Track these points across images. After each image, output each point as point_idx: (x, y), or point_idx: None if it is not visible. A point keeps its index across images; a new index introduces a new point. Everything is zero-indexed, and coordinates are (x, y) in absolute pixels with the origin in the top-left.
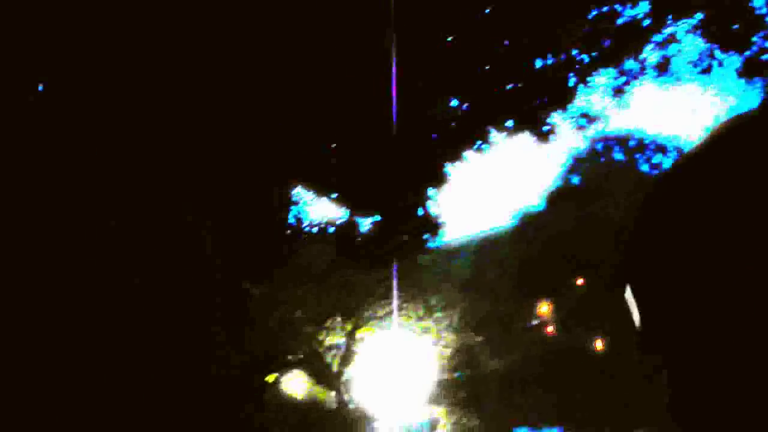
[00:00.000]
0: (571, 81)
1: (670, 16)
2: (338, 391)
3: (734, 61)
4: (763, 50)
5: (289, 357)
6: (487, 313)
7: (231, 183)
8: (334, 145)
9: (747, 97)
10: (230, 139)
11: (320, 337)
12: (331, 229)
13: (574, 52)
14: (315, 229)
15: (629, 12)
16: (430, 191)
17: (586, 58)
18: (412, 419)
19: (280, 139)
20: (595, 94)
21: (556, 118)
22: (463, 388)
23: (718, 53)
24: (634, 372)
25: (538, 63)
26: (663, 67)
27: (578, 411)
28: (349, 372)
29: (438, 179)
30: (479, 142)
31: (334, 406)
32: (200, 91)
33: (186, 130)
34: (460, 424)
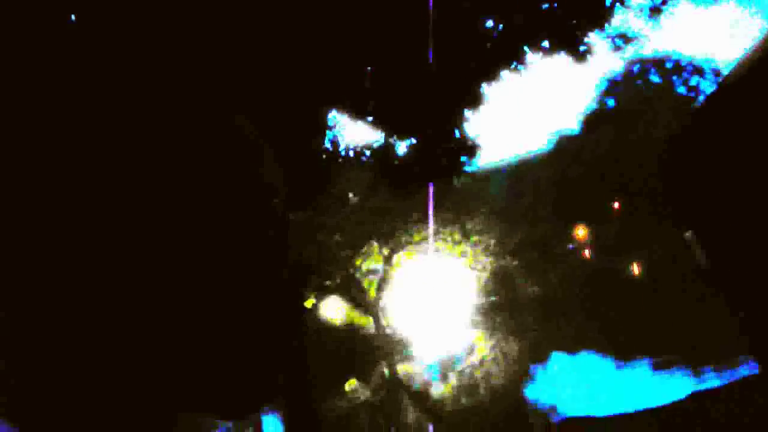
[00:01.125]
0: (608, 0)
1: None
2: (375, 317)
3: None
4: None
5: (327, 282)
6: (524, 237)
7: (265, 108)
8: (369, 67)
9: None
10: (261, 62)
11: (357, 263)
12: (368, 153)
13: None
14: (351, 153)
15: None
16: (467, 112)
17: None
18: (449, 345)
19: (313, 61)
20: (632, 13)
21: (592, 38)
22: (500, 312)
23: None
24: (671, 298)
25: None
26: None
27: (616, 336)
28: (386, 297)
29: (474, 100)
30: (515, 63)
31: (371, 331)
32: (231, 13)
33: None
34: (498, 349)
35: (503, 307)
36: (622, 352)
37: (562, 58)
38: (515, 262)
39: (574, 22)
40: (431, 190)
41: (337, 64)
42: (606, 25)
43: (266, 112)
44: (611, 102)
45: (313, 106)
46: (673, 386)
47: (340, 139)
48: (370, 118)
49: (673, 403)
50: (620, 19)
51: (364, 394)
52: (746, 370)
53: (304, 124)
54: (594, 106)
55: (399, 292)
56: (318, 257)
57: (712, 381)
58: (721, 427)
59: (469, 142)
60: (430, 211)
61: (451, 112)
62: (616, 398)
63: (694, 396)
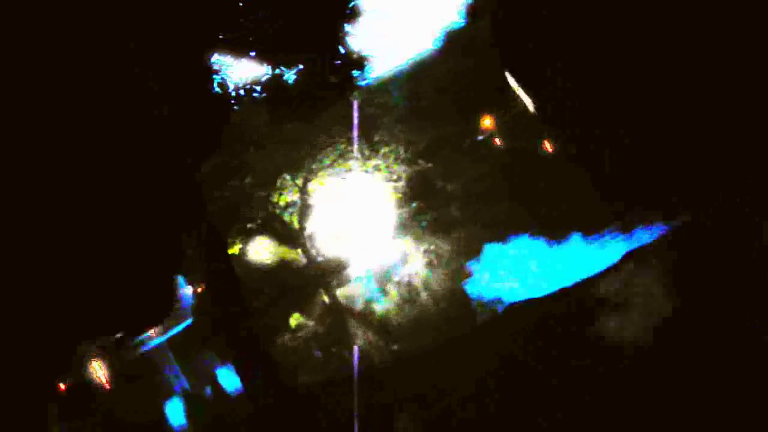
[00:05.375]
0: None
1: None
2: (303, 248)
3: None
4: None
5: (249, 225)
6: (432, 138)
7: (147, 60)
8: (240, 3)
9: None
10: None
11: (274, 200)
12: (258, 88)
13: None
14: (242, 92)
15: None
16: (347, 27)
17: None
18: (382, 259)
19: (184, 6)
20: None
21: None
22: (424, 216)
23: None
24: (584, 166)
25: None
26: None
27: (543, 215)
28: (310, 226)
29: (352, 13)
30: None
31: (304, 263)
32: None
33: None
34: (430, 252)
35: (426, 210)
36: (553, 230)
37: None
38: (429, 164)
39: None
40: (331, 110)
41: (210, 5)
42: None
43: (152, 61)
44: None
45: (194, 50)
46: (606, 252)
47: (228, 80)
48: (252, 53)
49: (607, 269)
50: None
51: (310, 326)
52: (676, 223)
53: (189, 70)
54: None
55: (322, 219)
56: (235, 201)
57: (643, 238)
58: (654, 282)
59: (356, 56)
60: (335, 132)
61: (331, 29)
62: (555, 275)
63: (626, 257)
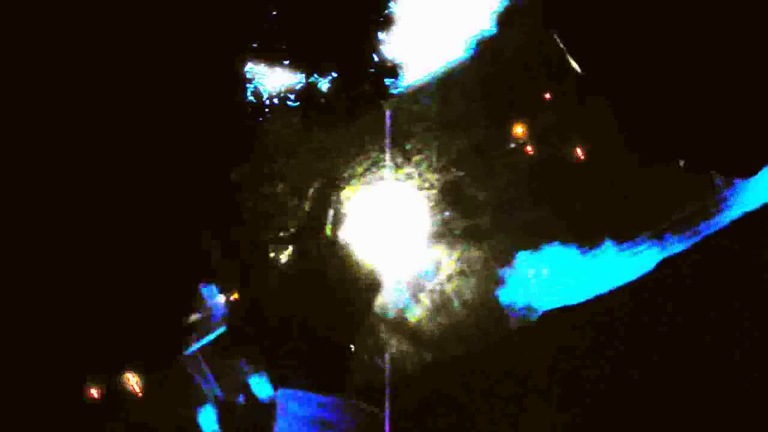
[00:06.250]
0: None
1: None
2: (335, 256)
3: None
4: None
5: (281, 233)
6: (463, 146)
7: (176, 72)
8: (275, 12)
9: None
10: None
11: (306, 208)
12: (292, 97)
13: None
14: (276, 101)
15: None
16: (381, 35)
17: None
18: (414, 268)
19: (216, 15)
20: None
21: None
22: (456, 224)
23: None
24: (622, 173)
25: None
26: None
27: (575, 222)
28: (343, 235)
29: (385, 21)
30: None
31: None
32: None
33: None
34: (463, 259)
35: (458, 218)
36: (585, 238)
37: None
38: (461, 173)
39: None
40: (364, 119)
41: (241, 12)
42: None
43: (185, 73)
44: None
45: (227, 59)
46: (640, 260)
47: (261, 89)
48: (286, 62)
49: (641, 277)
50: None
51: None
52: (707, 229)
53: (222, 79)
54: (506, 2)
55: (354, 228)
56: (267, 209)
57: (676, 247)
58: (689, 289)
59: (389, 64)
60: (366, 140)
61: (365, 37)
62: (587, 284)
63: (660, 265)
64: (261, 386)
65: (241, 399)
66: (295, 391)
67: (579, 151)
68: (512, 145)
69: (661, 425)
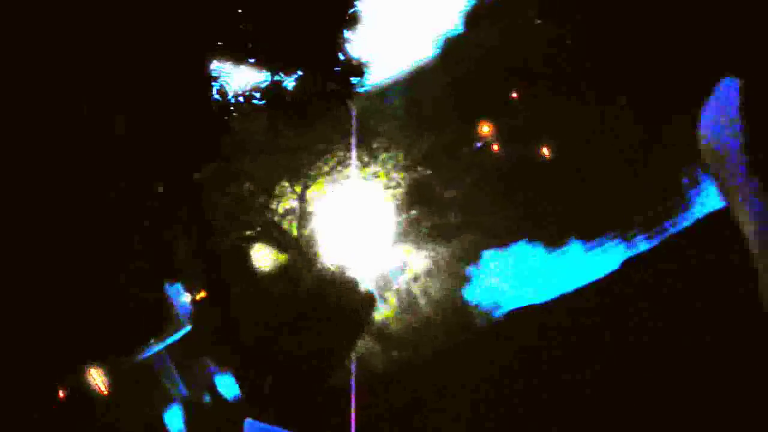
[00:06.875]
0: None
1: None
2: (303, 255)
3: None
4: None
5: (247, 232)
6: (430, 145)
7: (142, 69)
8: (240, 10)
9: None
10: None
11: (272, 206)
12: (258, 95)
13: None
14: (242, 99)
15: None
16: (346, 33)
17: None
18: (381, 267)
19: (181, 13)
20: None
21: None
22: (423, 223)
23: None
24: (589, 174)
25: None
26: None
27: (542, 222)
28: (309, 234)
29: (351, 19)
30: None
31: (303, 270)
32: None
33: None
34: (429, 258)
35: (425, 217)
36: (552, 237)
37: None
38: (428, 171)
39: None
40: (330, 117)
41: (206, 10)
42: None
43: (150, 72)
44: None
45: (192, 57)
46: (606, 260)
47: (226, 87)
48: (252, 60)
49: (607, 275)
50: None
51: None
52: (671, 229)
53: (188, 77)
54: (473, 1)
55: (321, 226)
56: (234, 207)
57: (642, 247)
58: (652, 287)
59: (355, 63)
60: (334, 139)
61: (331, 36)
62: (554, 283)
63: (625, 264)
64: (227, 386)
65: (207, 398)
66: (263, 425)
67: (546, 150)
68: (480, 145)
69: (626, 420)
